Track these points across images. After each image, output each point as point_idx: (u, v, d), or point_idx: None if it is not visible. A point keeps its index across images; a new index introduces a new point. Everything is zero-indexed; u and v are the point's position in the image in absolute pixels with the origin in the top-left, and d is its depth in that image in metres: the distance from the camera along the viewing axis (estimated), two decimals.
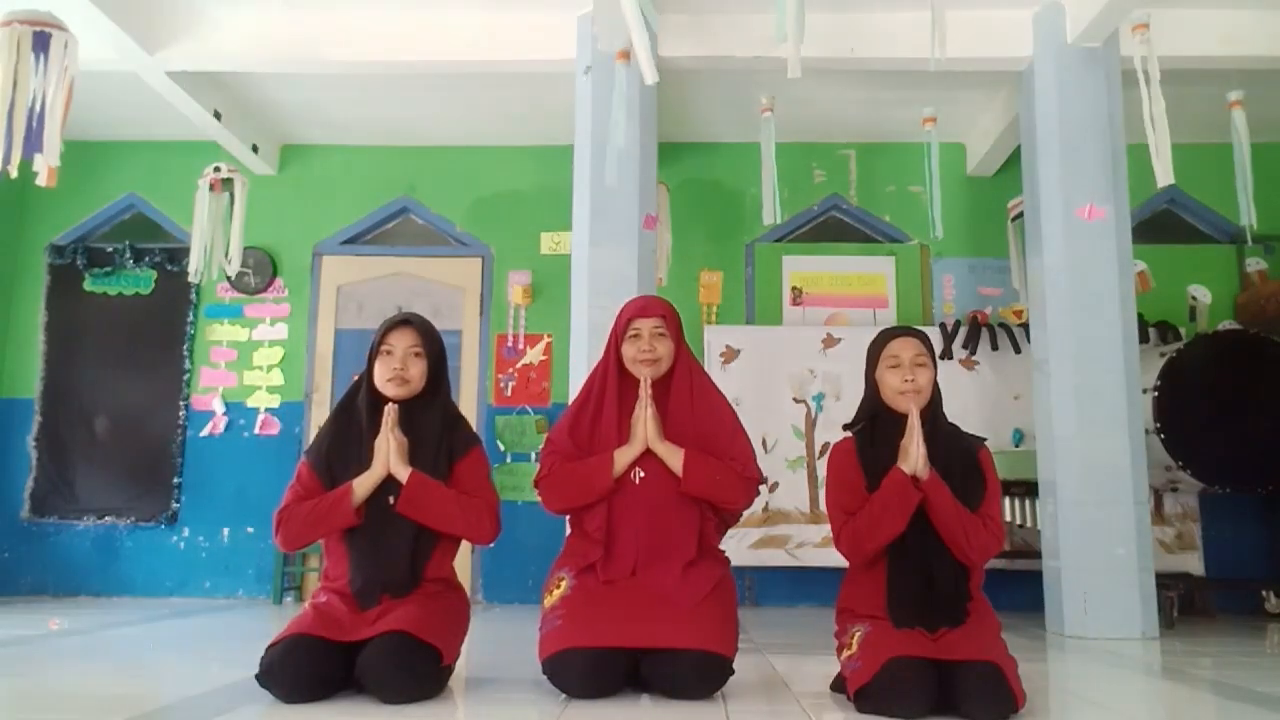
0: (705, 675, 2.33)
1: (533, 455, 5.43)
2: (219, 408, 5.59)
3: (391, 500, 2.40)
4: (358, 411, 2.51)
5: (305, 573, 5.44)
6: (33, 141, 3.61)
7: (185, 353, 5.65)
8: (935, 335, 5.24)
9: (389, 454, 2.40)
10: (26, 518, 5.47)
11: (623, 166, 4.12)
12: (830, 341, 5.36)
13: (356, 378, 2.59)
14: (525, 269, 5.69)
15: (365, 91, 5.18)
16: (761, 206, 4.64)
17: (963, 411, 3.03)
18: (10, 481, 5.53)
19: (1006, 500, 4.60)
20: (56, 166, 3.72)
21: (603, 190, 4.19)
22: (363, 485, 2.40)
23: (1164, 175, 3.78)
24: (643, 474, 2.48)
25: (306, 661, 2.20)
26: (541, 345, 5.62)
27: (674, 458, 2.47)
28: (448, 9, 4.49)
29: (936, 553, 2.27)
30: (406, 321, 2.52)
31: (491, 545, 2.93)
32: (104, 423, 5.60)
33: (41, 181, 3.74)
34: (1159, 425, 4.47)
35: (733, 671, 2.39)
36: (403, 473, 2.40)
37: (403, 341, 2.49)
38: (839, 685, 2.39)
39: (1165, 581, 4.28)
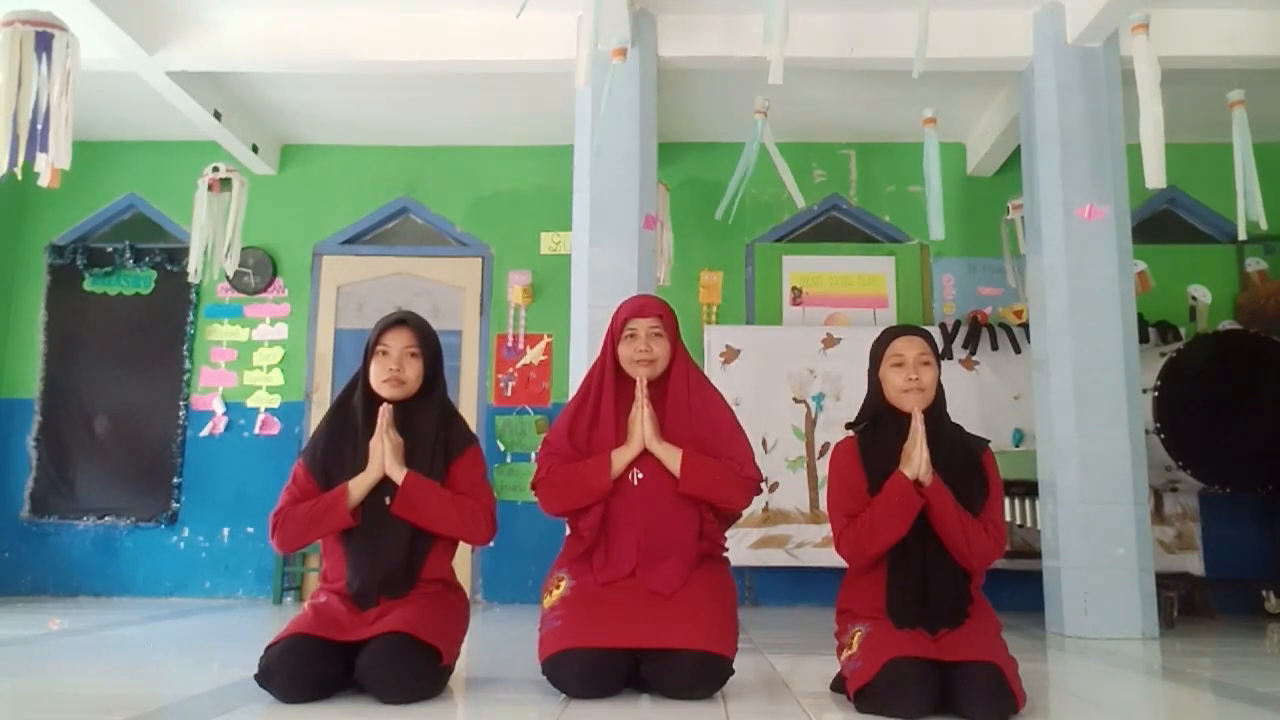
0: (705, 675, 2.32)
1: (532, 455, 5.43)
2: (219, 408, 5.59)
3: (388, 501, 2.39)
4: (353, 412, 2.49)
5: (305, 573, 5.44)
6: (36, 142, 3.61)
7: (185, 353, 5.65)
8: (935, 335, 5.22)
9: (384, 455, 2.39)
10: (26, 518, 5.47)
11: (622, 166, 4.12)
12: (830, 341, 5.36)
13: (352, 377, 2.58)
14: (525, 269, 5.69)
15: (365, 91, 5.18)
16: (727, 203, 4.70)
17: (963, 411, 3.03)
18: (10, 481, 5.53)
19: (1007, 500, 4.60)
20: (64, 168, 3.71)
21: (603, 190, 4.19)
22: (358, 487, 2.39)
23: (1155, 178, 3.75)
24: (641, 475, 2.48)
25: (305, 662, 2.20)
26: (541, 345, 5.62)
27: (672, 458, 2.46)
28: (448, 9, 4.49)
29: (937, 556, 2.26)
30: (403, 321, 2.50)
31: (489, 545, 2.93)
32: (104, 423, 5.59)
33: (44, 182, 3.72)
34: (1159, 425, 4.47)
35: (733, 671, 2.39)
36: (398, 474, 2.39)
37: (399, 342, 2.47)
38: (839, 685, 2.39)
39: (1165, 581, 4.28)
